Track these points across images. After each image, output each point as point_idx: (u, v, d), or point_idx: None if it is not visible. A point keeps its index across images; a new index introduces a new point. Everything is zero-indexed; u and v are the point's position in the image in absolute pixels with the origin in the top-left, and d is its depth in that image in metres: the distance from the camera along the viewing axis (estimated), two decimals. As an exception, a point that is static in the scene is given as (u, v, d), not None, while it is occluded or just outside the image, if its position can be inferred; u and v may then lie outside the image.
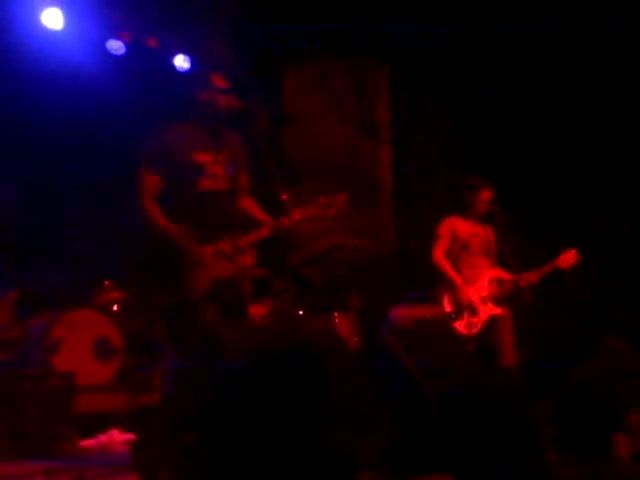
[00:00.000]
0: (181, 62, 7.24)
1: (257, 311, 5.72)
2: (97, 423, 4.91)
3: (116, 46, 6.94)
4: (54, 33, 6.48)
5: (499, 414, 2.75)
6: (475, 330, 5.23)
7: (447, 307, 5.28)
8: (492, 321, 5.29)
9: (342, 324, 5.60)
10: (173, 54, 7.20)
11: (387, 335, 5.17)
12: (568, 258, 5.30)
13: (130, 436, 4.64)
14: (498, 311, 5.30)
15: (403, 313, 5.78)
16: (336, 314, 5.68)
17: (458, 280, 5.25)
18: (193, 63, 7.24)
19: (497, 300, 5.31)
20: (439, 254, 5.29)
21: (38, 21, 6.40)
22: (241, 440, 1.85)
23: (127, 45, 6.96)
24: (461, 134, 7.21)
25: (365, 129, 7.66)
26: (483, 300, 5.30)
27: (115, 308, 6.00)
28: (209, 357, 3.57)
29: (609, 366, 3.71)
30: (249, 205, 4.18)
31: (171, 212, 3.90)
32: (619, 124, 6.68)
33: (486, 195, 5.33)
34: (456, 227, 5.36)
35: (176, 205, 3.92)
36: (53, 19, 6.44)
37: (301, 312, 6.38)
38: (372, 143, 7.71)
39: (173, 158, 3.92)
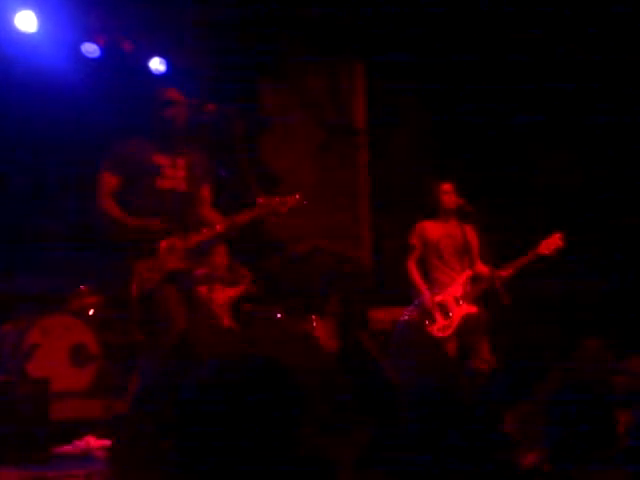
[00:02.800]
0: (157, 65, 7.21)
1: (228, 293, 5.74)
2: (73, 429, 4.85)
3: (91, 49, 6.89)
4: (28, 36, 6.42)
5: (468, 416, 2.76)
6: (449, 332, 5.26)
7: (419, 313, 5.34)
8: (467, 321, 5.31)
9: (320, 327, 5.59)
10: (149, 57, 7.17)
11: (363, 336, 5.16)
12: (551, 244, 5.29)
13: (106, 442, 4.60)
14: (473, 310, 5.32)
15: (380, 315, 5.82)
16: (314, 317, 5.67)
17: (423, 287, 5.34)
18: (169, 66, 7.21)
19: (471, 299, 5.34)
20: (410, 263, 5.41)
21: (12, 24, 6.35)
22: (214, 447, 1.83)
23: (102, 48, 6.92)
24: (438, 134, 7.24)
25: (341, 132, 7.67)
26: (457, 300, 5.33)
27: (91, 313, 5.93)
28: (179, 360, 3.57)
29: (591, 366, 3.74)
30: (210, 215, 4.22)
31: (129, 211, 4.01)
32: (593, 125, 6.74)
33: (446, 187, 5.38)
34: (426, 231, 5.43)
35: (134, 203, 4.03)
36: (27, 22, 6.39)
37: (279, 315, 6.37)
38: (349, 146, 7.72)
39: (133, 158, 4.07)
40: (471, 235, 5.46)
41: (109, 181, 4.06)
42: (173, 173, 4.11)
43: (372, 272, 7.49)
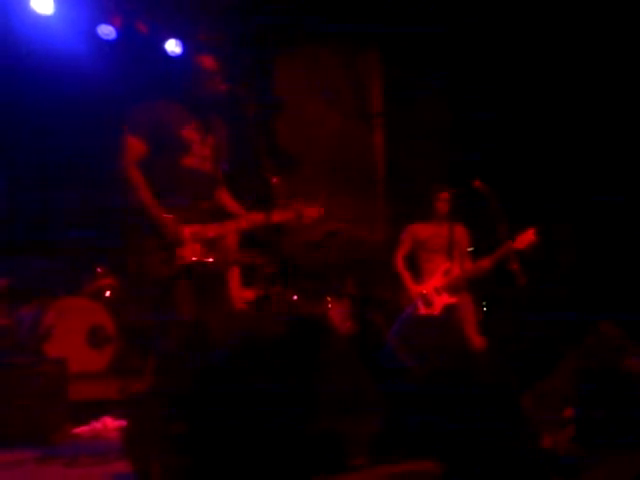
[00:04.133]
0: (173, 47, 7.20)
1: (245, 296, 5.73)
2: (90, 410, 4.89)
3: (107, 31, 6.90)
4: (44, 18, 6.44)
5: (488, 397, 2.75)
6: None
7: (405, 302, 5.67)
8: (448, 310, 5.59)
9: (335, 310, 5.61)
10: (165, 39, 7.17)
11: (378, 318, 5.25)
12: (525, 239, 5.45)
13: (123, 423, 4.63)
14: (452, 300, 5.61)
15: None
16: (329, 300, 5.70)
17: (407, 279, 5.71)
18: (185, 48, 7.20)
19: (451, 289, 5.62)
20: (397, 257, 5.83)
21: (28, 7, 6.36)
22: (229, 426, 1.84)
23: (118, 30, 6.92)
24: (454, 120, 7.20)
25: (357, 116, 7.63)
26: (437, 291, 5.64)
27: (107, 295, 5.97)
28: (191, 343, 3.55)
29: (607, 350, 3.72)
30: (225, 197, 4.14)
31: (151, 184, 3.75)
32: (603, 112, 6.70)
33: (443, 196, 5.75)
34: (416, 232, 5.87)
35: (156, 177, 3.76)
36: (43, 4, 6.41)
37: (295, 297, 6.38)
38: (364, 130, 7.69)
39: (160, 129, 3.78)
40: (460, 235, 5.80)
41: (135, 146, 3.74)
42: (201, 151, 3.91)
43: (386, 255, 7.47)
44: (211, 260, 3.89)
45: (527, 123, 6.88)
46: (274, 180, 3.92)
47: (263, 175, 3.95)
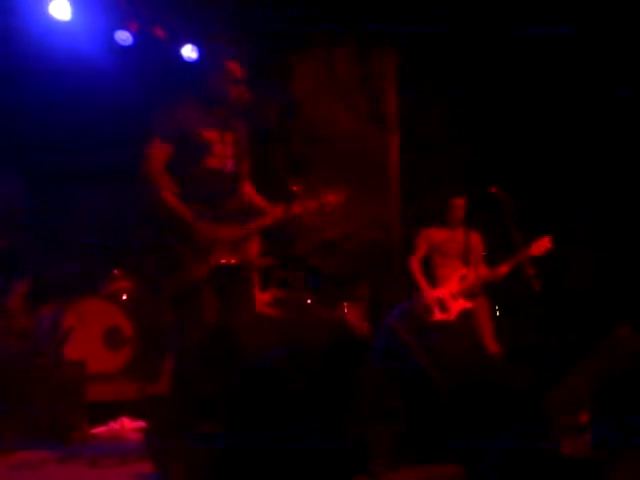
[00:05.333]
0: (189, 52, 7.24)
1: (262, 299, 5.77)
2: (107, 411, 4.94)
3: (124, 37, 6.94)
4: (62, 24, 6.49)
5: (510, 401, 2.77)
6: None
7: (420, 307, 5.72)
8: (465, 315, 5.65)
9: (351, 313, 5.65)
10: (181, 44, 7.22)
11: (397, 323, 5.26)
12: (540, 246, 5.53)
13: (140, 424, 4.69)
14: (469, 305, 5.67)
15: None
16: (345, 303, 5.74)
17: (422, 283, 5.77)
18: (201, 53, 7.25)
19: (467, 295, 5.68)
20: (412, 262, 5.89)
21: (46, 12, 6.42)
22: (263, 429, 1.87)
23: (135, 36, 6.97)
24: (469, 123, 7.21)
25: (372, 118, 7.66)
26: (453, 296, 5.68)
27: (124, 297, 6.03)
28: (216, 348, 3.58)
29: (626, 354, 3.74)
30: (250, 192, 4.17)
31: (176, 186, 3.82)
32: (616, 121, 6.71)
33: (458, 202, 5.83)
34: (431, 237, 5.94)
35: (180, 179, 3.83)
36: (61, 10, 6.45)
37: (309, 301, 6.41)
38: (379, 132, 7.71)
39: (182, 132, 3.83)
40: (475, 241, 5.87)
41: (161, 150, 3.80)
42: (222, 151, 3.94)
43: (401, 258, 7.49)
44: (238, 262, 3.91)
45: (546, 129, 6.89)
46: (294, 187, 3.95)
47: (282, 182, 3.99)
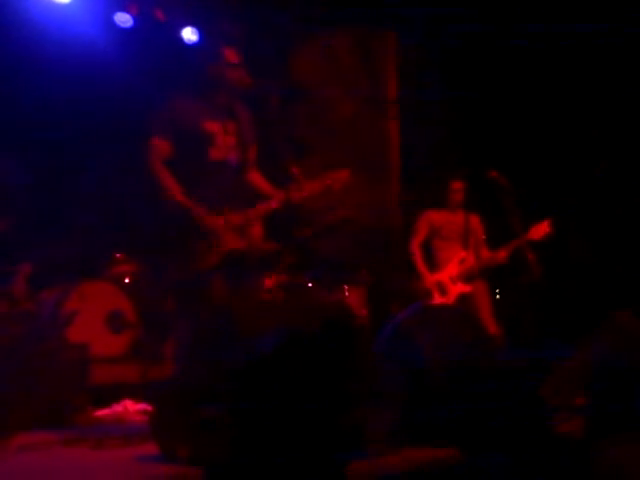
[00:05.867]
0: (189, 35, 7.23)
1: (265, 284, 5.79)
2: (111, 394, 4.99)
3: (124, 19, 6.93)
4: (61, 6, 6.48)
5: (503, 384, 2.81)
6: None
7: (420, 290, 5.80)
8: (463, 298, 5.72)
9: (351, 297, 5.68)
10: (181, 26, 7.20)
11: (394, 308, 5.33)
12: (540, 230, 5.56)
13: (143, 406, 4.73)
14: (467, 289, 5.75)
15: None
16: (346, 287, 5.76)
17: (422, 267, 5.83)
18: (201, 36, 7.23)
19: (466, 278, 5.75)
20: (412, 245, 5.97)
21: (45, -6, 6.40)
22: (267, 413, 1.91)
23: (135, 18, 6.95)
24: (468, 109, 7.22)
25: (372, 104, 7.66)
26: (452, 280, 5.76)
27: (127, 280, 6.05)
28: (221, 331, 3.62)
29: (624, 341, 3.77)
30: (256, 178, 4.21)
31: (181, 179, 3.89)
32: (621, 121, 6.71)
33: (457, 186, 5.89)
34: (432, 219, 5.98)
35: (184, 174, 3.90)
36: (60, -8, 6.44)
37: (310, 285, 6.43)
38: (379, 118, 7.71)
39: (183, 126, 3.90)
40: (475, 224, 5.90)
41: (160, 146, 3.89)
42: (225, 142, 3.99)
43: (402, 242, 7.51)
44: (245, 248, 3.98)
45: (545, 113, 6.89)
46: (294, 170, 3.98)
47: (283, 165, 4.01)
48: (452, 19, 6.79)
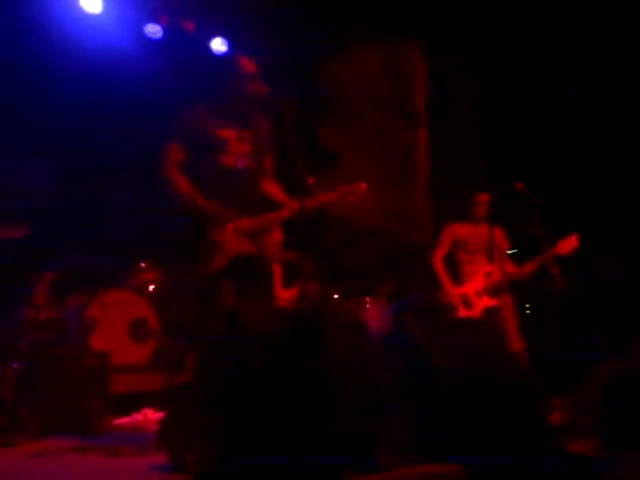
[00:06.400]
0: (218, 45, 7.28)
1: (286, 295, 5.78)
2: (131, 402, 4.99)
3: (154, 30, 6.99)
4: (93, 17, 6.56)
5: (511, 401, 2.75)
6: None
7: (443, 303, 5.69)
8: (489, 312, 5.59)
9: (373, 309, 5.63)
10: (210, 37, 7.25)
11: (410, 318, 5.25)
12: (567, 244, 5.45)
13: (163, 415, 4.73)
14: (493, 302, 5.62)
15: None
16: (368, 299, 5.72)
17: (445, 280, 5.72)
18: (230, 46, 7.27)
19: (492, 292, 5.63)
20: (436, 258, 5.83)
21: (77, 5, 6.48)
22: (260, 417, 1.88)
23: (165, 29, 7.01)
24: (497, 117, 7.14)
25: (401, 113, 7.62)
26: (478, 294, 5.65)
27: (151, 289, 6.06)
28: (229, 335, 3.62)
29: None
30: (272, 187, 4.23)
31: (196, 184, 3.95)
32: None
33: (482, 198, 5.77)
34: (455, 232, 5.88)
35: (199, 178, 3.97)
36: (92, 3, 6.53)
37: (336, 296, 6.40)
38: (408, 127, 7.66)
39: (197, 132, 3.98)
40: (499, 237, 5.80)
41: (175, 151, 3.98)
42: (238, 148, 4.04)
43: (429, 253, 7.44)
44: (254, 253, 4.00)
45: (574, 124, 6.78)
46: (310, 180, 3.97)
47: (299, 175, 4.01)
48: (480, 27, 6.72)
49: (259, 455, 1.93)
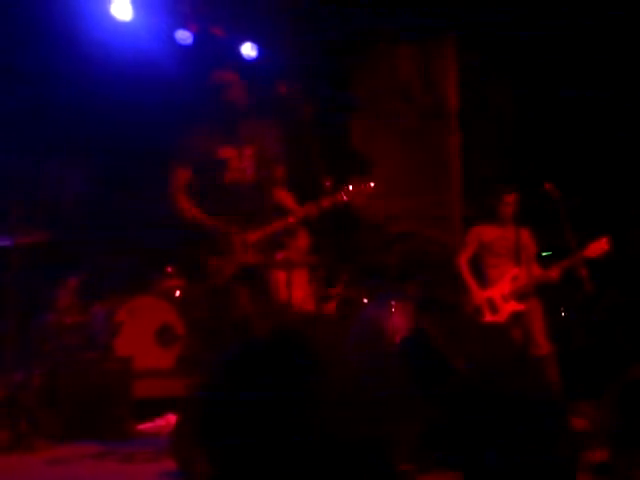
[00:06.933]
0: (249, 50, 7.27)
1: (297, 295, 5.73)
2: (156, 408, 4.98)
3: (184, 36, 7.01)
4: (123, 24, 6.59)
5: (532, 406, 2.65)
6: None
7: (469, 307, 5.53)
8: (516, 317, 5.40)
9: (398, 312, 5.52)
10: (241, 42, 7.24)
11: (427, 321, 5.15)
12: (598, 247, 5.30)
13: (185, 421, 4.71)
14: (520, 307, 5.43)
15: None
16: (394, 303, 5.61)
17: (471, 283, 5.54)
18: (260, 51, 7.26)
19: (519, 296, 5.45)
20: (461, 260, 5.64)
21: (107, 12, 6.53)
22: (244, 430, 1.82)
23: (195, 35, 7.02)
24: (529, 120, 7.00)
25: (433, 116, 7.52)
26: (504, 298, 5.46)
27: (177, 294, 6.07)
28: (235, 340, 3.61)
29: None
30: (283, 195, 4.24)
31: (200, 204, 4.12)
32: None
33: (509, 199, 5.58)
34: (481, 234, 5.68)
35: (203, 197, 4.13)
36: (122, 10, 6.55)
37: (365, 300, 6.33)
38: (440, 130, 7.56)
39: (200, 153, 4.12)
40: (526, 239, 5.59)
41: (180, 175, 4.16)
42: (239, 165, 4.14)
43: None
44: (257, 262, 4.09)
45: (607, 126, 6.60)
46: (326, 182, 3.95)
47: (315, 177, 3.99)
48: (513, 26, 6.58)
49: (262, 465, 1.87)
